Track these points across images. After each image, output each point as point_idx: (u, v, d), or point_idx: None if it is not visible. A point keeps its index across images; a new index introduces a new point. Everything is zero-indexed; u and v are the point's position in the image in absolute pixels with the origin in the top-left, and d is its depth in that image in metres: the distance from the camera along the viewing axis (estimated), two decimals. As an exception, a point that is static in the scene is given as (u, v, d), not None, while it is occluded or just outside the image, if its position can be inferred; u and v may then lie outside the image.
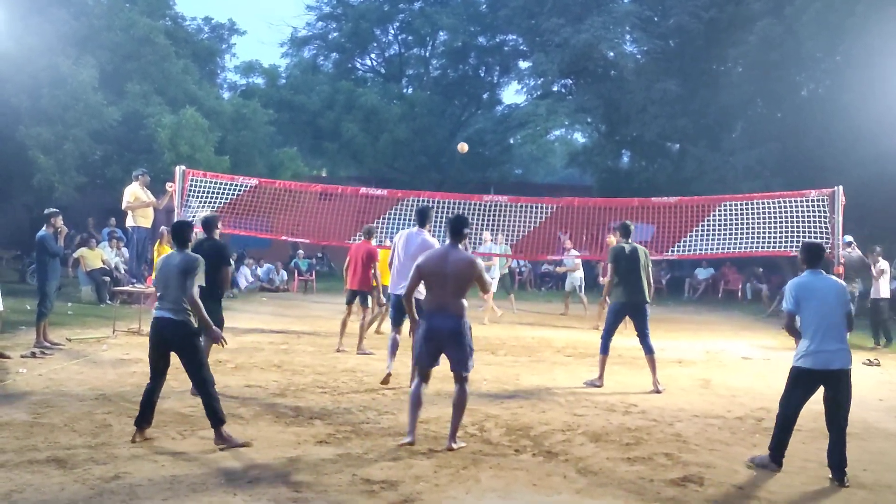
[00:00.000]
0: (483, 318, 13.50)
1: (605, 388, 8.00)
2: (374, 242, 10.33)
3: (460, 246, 5.69)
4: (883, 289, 12.28)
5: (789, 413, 5.30)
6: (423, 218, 7.63)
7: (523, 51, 29.32)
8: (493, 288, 12.38)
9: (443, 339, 5.54)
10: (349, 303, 10.16)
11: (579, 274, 15.28)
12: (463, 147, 11.58)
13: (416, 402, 5.61)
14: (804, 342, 5.23)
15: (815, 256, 5.41)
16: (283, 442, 5.55)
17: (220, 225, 7.62)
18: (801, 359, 5.23)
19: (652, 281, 8.37)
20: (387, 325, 9.78)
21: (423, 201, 12.32)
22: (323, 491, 4.53)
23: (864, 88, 16.70)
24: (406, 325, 7.67)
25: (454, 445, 5.47)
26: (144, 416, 5.46)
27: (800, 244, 5.79)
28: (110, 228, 17.92)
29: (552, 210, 13.22)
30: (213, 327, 5.69)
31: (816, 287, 5.26)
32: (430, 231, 7.70)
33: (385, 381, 7.60)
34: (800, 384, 5.27)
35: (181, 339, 5.49)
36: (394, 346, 7.85)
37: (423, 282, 5.64)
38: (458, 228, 5.68)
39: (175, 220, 11.55)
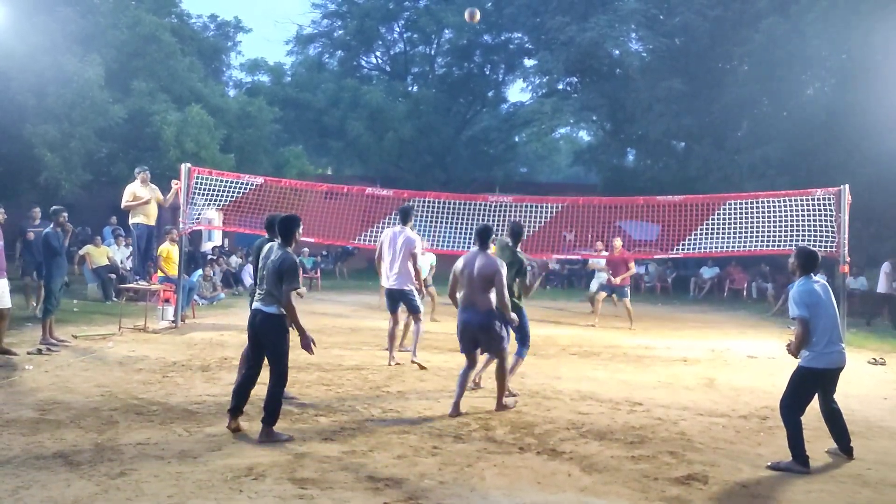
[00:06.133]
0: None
1: (610, 386, 7.96)
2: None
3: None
4: None
5: (802, 413, 5.39)
6: (405, 216, 8.57)
7: (528, 49, 29.30)
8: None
9: (473, 331, 6.46)
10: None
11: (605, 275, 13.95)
12: (474, 16, 10.38)
13: (462, 382, 6.59)
14: (814, 345, 5.37)
15: (813, 262, 5.59)
16: (288, 439, 5.57)
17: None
18: (813, 359, 5.40)
19: (528, 284, 7.25)
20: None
21: (429, 201, 12.40)
22: (328, 488, 4.54)
23: (869, 87, 16.65)
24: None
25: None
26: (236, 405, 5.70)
27: (796, 248, 5.91)
28: (113, 226, 17.96)
29: (557, 209, 13.21)
30: (306, 334, 5.78)
31: (819, 292, 5.47)
32: (412, 228, 8.64)
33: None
34: (809, 384, 5.45)
35: (269, 331, 5.71)
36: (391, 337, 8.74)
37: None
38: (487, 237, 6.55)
39: (183, 216, 11.70)
